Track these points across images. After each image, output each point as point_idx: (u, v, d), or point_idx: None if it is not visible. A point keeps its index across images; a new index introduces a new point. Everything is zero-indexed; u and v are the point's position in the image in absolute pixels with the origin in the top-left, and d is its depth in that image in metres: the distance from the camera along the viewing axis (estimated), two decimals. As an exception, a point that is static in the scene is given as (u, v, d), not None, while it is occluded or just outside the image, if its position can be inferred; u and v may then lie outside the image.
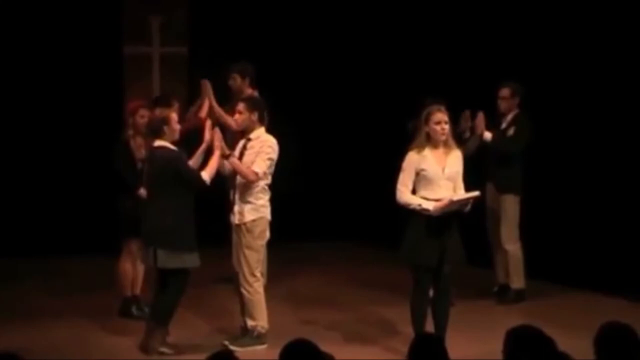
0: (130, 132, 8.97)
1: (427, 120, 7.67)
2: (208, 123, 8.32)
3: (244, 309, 8.19)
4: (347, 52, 12.59)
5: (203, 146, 8.16)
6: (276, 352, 4.55)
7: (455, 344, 6.50)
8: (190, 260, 7.93)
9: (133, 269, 9.04)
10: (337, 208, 12.64)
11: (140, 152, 8.89)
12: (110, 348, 8.22)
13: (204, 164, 8.11)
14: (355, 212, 12.54)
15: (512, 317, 8.57)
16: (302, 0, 12.62)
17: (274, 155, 8.12)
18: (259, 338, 8.12)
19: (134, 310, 9.00)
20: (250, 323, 8.14)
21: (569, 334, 6.89)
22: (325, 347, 4.66)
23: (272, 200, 8.26)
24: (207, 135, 8.12)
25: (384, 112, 12.12)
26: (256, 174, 8.01)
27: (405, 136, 9.01)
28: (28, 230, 11.55)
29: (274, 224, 8.33)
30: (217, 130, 8.21)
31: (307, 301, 9.80)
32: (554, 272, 10.25)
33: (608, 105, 10.09)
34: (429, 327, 7.73)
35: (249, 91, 9.64)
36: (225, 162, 8.08)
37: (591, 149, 10.20)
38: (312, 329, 8.58)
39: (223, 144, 8.13)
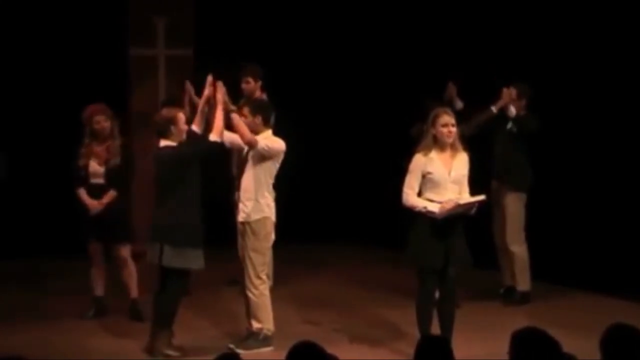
0: (87, 140, 9.00)
1: (434, 123, 7.67)
2: (209, 78, 8.04)
3: (249, 312, 8.19)
4: (350, 54, 12.59)
5: (202, 103, 8.00)
6: (282, 355, 4.56)
7: (461, 346, 6.50)
8: (195, 261, 7.92)
9: (98, 271, 9.15)
10: (342, 210, 12.64)
11: (87, 159, 8.96)
12: (113, 349, 8.23)
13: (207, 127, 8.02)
14: (359, 214, 12.53)
15: (518, 319, 8.58)
16: (307, 2, 12.63)
17: (281, 152, 8.09)
18: (265, 340, 8.11)
19: (139, 311, 9.03)
20: (256, 325, 8.13)
21: (574, 335, 6.90)
22: (330, 349, 4.67)
23: (277, 202, 8.26)
24: (206, 90, 7.98)
25: (387, 114, 12.11)
26: (256, 140, 7.95)
27: (407, 137, 9.03)
28: (27, 231, 11.53)
29: (279, 226, 8.33)
30: (219, 83, 8.01)
31: (312, 303, 9.80)
32: (559, 273, 10.23)
33: (611, 107, 10.08)
34: (435, 328, 7.73)
35: (258, 94, 9.66)
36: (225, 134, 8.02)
37: (593, 150, 10.19)
38: (317, 330, 8.59)
39: (226, 97, 8.03)
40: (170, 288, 7.97)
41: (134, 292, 9.12)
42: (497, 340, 6.01)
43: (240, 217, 8.11)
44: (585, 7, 10.24)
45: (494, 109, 9.43)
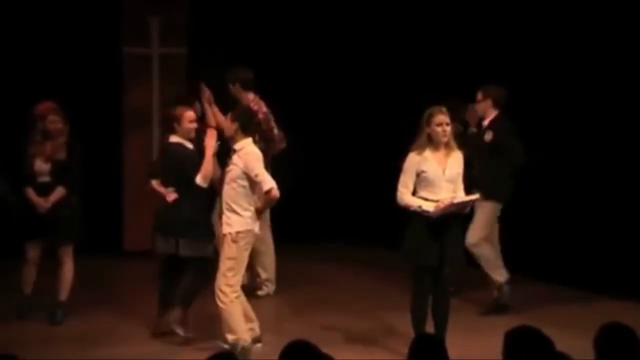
0: (38, 137, 8.89)
1: (428, 122, 7.66)
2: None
3: (221, 324, 7.92)
4: (346, 53, 12.58)
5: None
6: (276, 353, 4.55)
7: (455, 345, 6.50)
8: (209, 249, 8.18)
9: (30, 270, 8.98)
10: (337, 209, 12.63)
11: (34, 157, 8.84)
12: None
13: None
14: (355, 213, 12.53)
15: (512, 318, 8.57)
16: (301, 1, 12.62)
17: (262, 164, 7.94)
18: (243, 353, 7.73)
19: (58, 315, 8.91)
20: (230, 338, 7.82)
21: (568, 334, 6.91)
22: (325, 348, 4.66)
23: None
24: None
25: (383, 112, 12.12)
26: (271, 189, 7.74)
27: (404, 136, 9.01)
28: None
29: (275, 225, 8.32)
30: (211, 129, 8.23)
31: (307, 302, 9.79)
32: (554, 273, 10.25)
33: (605, 105, 10.08)
34: (429, 327, 7.73)
35: (245, 95, 9.57)
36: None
37: (591, 150, 10.18)
38: (312, 329, 8.57)
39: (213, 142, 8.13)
40: (195, 273, 8.19)
41: (63, 295, 8.96)
42: (491, 340, 6.02)
43: (224, 229, 7.87)
44: (581, 7, 10.24)
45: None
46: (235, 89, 9.62)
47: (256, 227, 7.94)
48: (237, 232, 7.80)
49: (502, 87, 9.54)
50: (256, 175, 7.75)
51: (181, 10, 12.10)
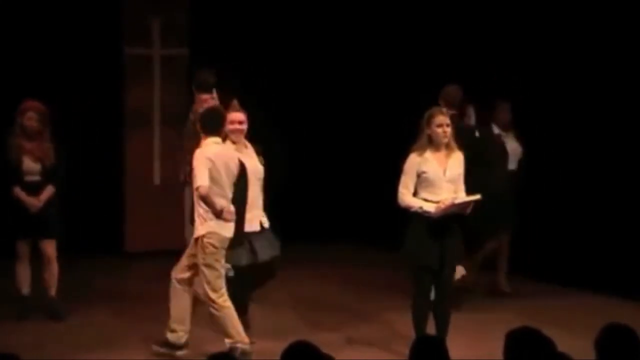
0: (17, 130, 8.86)
1: (428, 123, 7.66)
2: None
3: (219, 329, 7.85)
4: (347, 53, 12.58)
5: None
6: (277, 354, 4.56)
7: (456, 346, 6.50)
8: (241, 258, 8.05)
9: (25, 270, 9.00)
10: (337, 209, 12.63)
11: (19, 156, 8.80)
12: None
13: None
14: (355, 214, 12.53)
15: (513, 319, 8.57)
16: (302, 2, 12.62)
17: (207, 164, 7.64)
18: (243, 356, 7.67)
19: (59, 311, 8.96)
20: (228, 342, 7.74)
21: (569, 334, 6.91)
22: (326, 348, 4.67)
23: (272, 202, 8.21)
24: None
25: (384, 113, 12.12)
26: (197, 188, 7.64)
27: (404, 137, 9.02)
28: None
29: (274, 226, 8.30)
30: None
31: (308, 303, 9.80)
32: (555, 273, 10.26)
33: (605, 105, 10.09)
34: (430, 329, 7.74)
35: (198, 96, 9.41)
36: None
37: (589, 148, 10.21)
38: (313, 330, 8.58)
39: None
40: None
41: (53, 290, 8.98)
42: (492, 340, 6.02)
43: (195, 233, 7.80)
44: (581, 7, 10.25)
45: None
46: (194, 90, 9.48)
47: (223, 230, 7.72)
48: (203, 236, 7.70)
49: (456, 87, 9.42)
50: (192, 170, 7.70)
51: (182, 11, 12.10)
